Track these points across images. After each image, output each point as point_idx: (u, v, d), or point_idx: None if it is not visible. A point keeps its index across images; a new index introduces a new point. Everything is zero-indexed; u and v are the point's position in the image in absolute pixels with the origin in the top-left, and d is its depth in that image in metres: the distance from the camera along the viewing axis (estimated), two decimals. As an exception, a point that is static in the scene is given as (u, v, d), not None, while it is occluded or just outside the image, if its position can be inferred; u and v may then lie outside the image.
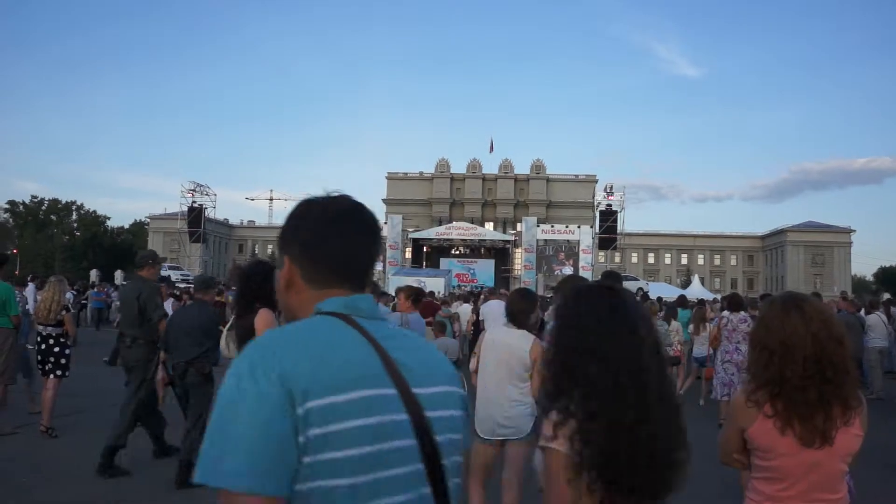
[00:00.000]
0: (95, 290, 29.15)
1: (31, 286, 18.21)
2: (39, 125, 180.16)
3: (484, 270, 55.53)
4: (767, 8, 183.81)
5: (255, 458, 1.17)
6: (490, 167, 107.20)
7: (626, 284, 24.20)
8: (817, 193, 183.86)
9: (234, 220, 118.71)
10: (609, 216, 53.09)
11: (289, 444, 1.20)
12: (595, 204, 57.34)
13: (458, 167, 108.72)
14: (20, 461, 7.37)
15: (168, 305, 9.22)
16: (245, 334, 5.10)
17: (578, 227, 54.83)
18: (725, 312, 10.76)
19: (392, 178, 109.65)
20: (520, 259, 55.25)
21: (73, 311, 13.46)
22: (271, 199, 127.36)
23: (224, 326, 7.96)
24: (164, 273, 45.12)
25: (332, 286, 1.46)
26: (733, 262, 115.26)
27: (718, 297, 27.81)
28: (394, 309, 9.58)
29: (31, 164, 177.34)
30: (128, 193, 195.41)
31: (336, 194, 1.57)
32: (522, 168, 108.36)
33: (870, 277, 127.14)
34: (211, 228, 71.63)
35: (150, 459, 7.52)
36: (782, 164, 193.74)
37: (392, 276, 44.59)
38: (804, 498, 2.43)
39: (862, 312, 15.39)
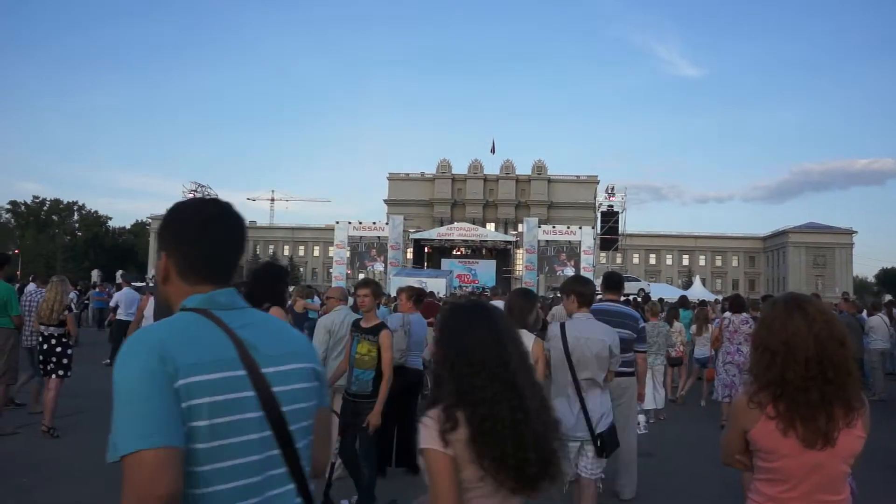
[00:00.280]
0: (97, 290, 29.16)
1: (31, 286, 18.18)
2: (41, 126, 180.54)
3: (485, 271, 55.52)
4: (768, 8, 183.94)
5: (160, 421, 1.49)
6: (491, 168, 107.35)
7: (628, 285, 24.27)
8: (819, 194, 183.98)
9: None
10: (610, 217, 53.10)
11: (176, 409, 1.52)
12: (596, 205, 57.32)
13: (460, 168, 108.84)
14: (21, 461, 7.37)
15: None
16: None
17: (580, 227, 54.75)
18: (727, 313, 10.76)
19: (393, 178, 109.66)
20: (521, 260, 55.25)
21: (75, 311, 13.46)
22: (272, 200, 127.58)
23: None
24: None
25: (200, 282, 1.76)
26: (735, 263, 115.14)
27: (720, 297, 27.79)
28: (395, 309, 9.58)
29: (32, 165, 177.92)
30: (129, 194, 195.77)
31: (208, 198, 1.90)
32: (524, 169, 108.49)
33: (871, 279, 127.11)
34: (212, 229, 71.43)
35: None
36: (783, 165, 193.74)
37: (393, 276, 44.61)
38: (807, 499, 2.42)
39: (864, 314, 15.37)
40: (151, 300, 9.26)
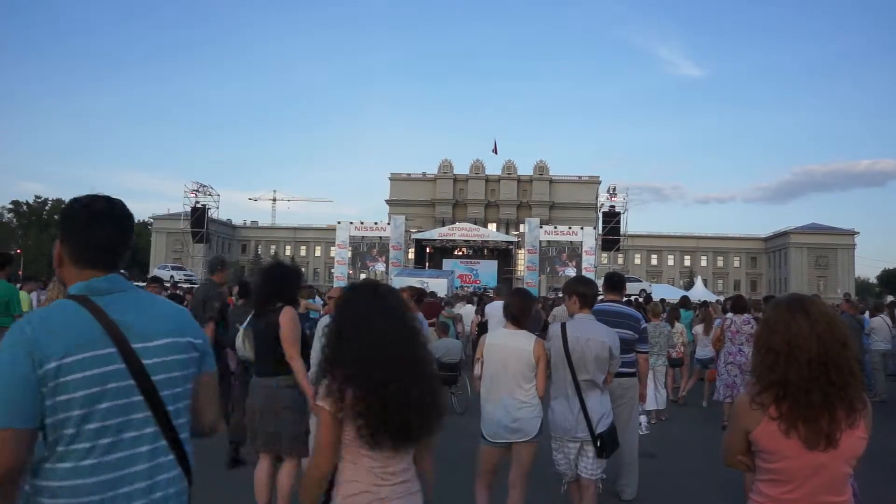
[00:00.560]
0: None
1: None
2: (43, 126, 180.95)
3: (487, 271, 55.49)
4: (770, 10, 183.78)
5: (11, 405, 1.83)
6: (493, 168, 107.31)
7: (629, 286, 24.13)
8: (821, 195, 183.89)
9: (237, 221, 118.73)
10: (612, 217, 53.06)
11: (34, 393, 1.85)
12: (598, 205, 57.32)
13: (462, 168, 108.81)
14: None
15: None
16: (267, 332, 5.10)
17: (581, 228, 54.74)
18: (729, 314, 10.74)
19: (395, 178, 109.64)
20: (522, 260, 55.23)
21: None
22: (274, 200, 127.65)
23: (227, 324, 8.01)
24: (167, 273, 45.28)
25: (86, 267, 2.08)
26: (736, 263, 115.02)
27: (721, 298, 27.77)
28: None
29: (34, 165, 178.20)
30: (131, 194, 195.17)
31: (100, 195, 2.22)
32: (525, 169, 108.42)
33: (873, 280, 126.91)
34: (214, 229, 71.57)
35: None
36: (785, 166, 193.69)
37: (395, 276, 44.60)
38: (809, 500, 2.42)
39: (866, 315, 15.35)
40: None
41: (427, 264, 55.21)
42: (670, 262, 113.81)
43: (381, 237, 54.23)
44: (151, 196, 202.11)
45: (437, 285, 34.67)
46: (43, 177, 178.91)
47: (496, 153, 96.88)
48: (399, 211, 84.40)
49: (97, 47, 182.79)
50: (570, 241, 53.10)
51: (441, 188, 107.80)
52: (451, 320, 14.28)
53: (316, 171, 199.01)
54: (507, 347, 4.92)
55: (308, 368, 5.10)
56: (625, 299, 9.39)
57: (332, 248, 64.36)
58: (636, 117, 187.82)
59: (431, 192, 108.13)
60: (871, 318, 14.60)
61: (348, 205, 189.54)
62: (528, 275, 52.09)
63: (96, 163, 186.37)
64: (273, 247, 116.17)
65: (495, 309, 11.76)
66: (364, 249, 54.19)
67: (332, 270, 59.66)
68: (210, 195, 57.28)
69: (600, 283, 7.82)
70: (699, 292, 42.32)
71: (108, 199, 2.20)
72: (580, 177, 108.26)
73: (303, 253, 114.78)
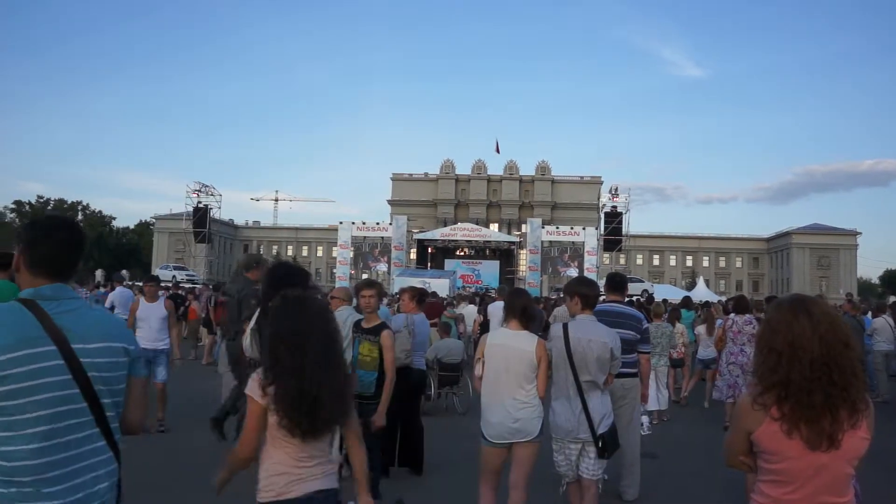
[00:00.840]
0: (103, 290, 29.18)
1: None
2: (45, 126, 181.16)
3: (489, 272, 55.52)
4: (772, 10, 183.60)
5: None
6: (495, 168, 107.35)
7: (631, 286, 23.97)
8: (823, 195, 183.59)
9: (239, 221, 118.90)
10: (614, 218, 53.04)
11: None
12: (600, 205, 57.33)
13: (464, 168, 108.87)
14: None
15: (150, 306, 9.19)
16: None
17: (583, 228, 54.75)
18: (731, 315, 10.75)
19: (397, 178, 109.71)
20: (524, 260, 55.23)
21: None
22: (276, 200, 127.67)
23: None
24: (169, 273, 45.31)
25: (38, 275, 2.38)
26: (738, 264, 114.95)
27: (723, 299, 27.76)
28: (398, 310, 9.58)
29: (36, 165, 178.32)
30: (133, 194, 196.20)
31: (57, 216, 2.58)
32: (527, 169, 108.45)
33: (876, 280, 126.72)
34: (216, 229, 71.67)
35: (149, 458, 7.54)
36: (787, 166, 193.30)
37: (397, 276, 44.66)
38: (811, 501, 2.42)
39: (869, 315, 15.34)
40: (142, 301, 9.25)
41: (429, 264, 55.23)
42: (672, 263, 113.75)
43: (382, 237, 54.27)
44: (153, 196, 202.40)
45: (439, 285, 34.68)
46: (45, 177, 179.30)
47: (498, 152, 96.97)
48: (401, 211, 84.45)
49: (99, 47, 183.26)
50: (572, 242, 53.11)
51: (443, 188, 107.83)
52: (452, 320, 14.29)
53: (318, 171, 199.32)
54: (509, 348, 4.91)
55: None
56: (627, 300, 9.40)
57: (334, 248, 64.35)
58: (638, 117, 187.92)
59: (433, 192, 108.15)
60: (874, 319, 14.59)
61: (350, 205, 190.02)
62: (529, 275, 52.11)
63: (98, 163, 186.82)
64: (275, 247, 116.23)
65: (497, 309, 11.78)
66: (366, 250, 54.23)
67: (335, 271, 59.68)
68: (212, 195, 57.35)
69: (602, 283, 7.82)
70: (701, 293, 42.28)
71: (64, 220, 2.52)
72: (582, 177, 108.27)
73: (304, 253, 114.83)
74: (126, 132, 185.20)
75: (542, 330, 12.45)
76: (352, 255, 53.95)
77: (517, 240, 58.63)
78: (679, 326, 12.70)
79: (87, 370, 2.31)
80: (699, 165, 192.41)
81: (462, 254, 57.20)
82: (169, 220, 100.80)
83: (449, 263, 55.69)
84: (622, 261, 75.69)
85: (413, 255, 56.52)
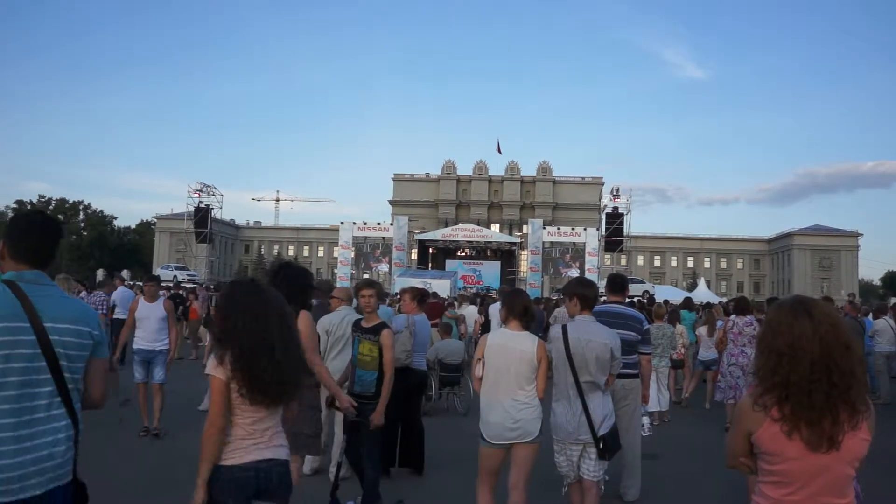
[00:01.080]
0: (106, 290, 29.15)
1: None
2: (47, 125, 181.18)
3: (490, 272, 55.48)
4: (774, 11, 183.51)
5: None
6: (496, 169, 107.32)
7: (632, 287, 23.88)
8: (824, 197, 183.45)
9: (240, 221, 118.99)
10: (615, 219, 52.97)
11: None
12: (601, 206, 57.23)
13: (465, 169, 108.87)
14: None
15: (149, 306, 9.09)
16: None
17: (584, 229, 54.64)
18: (732, 316, 10.74)
19: (398, 179, 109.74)
20: (525, 261, 55.17)
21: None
22: (277, 200, 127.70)
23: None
24: (171, 273, 45.33)
25: (20, 262, 2.77)
26: (739, 265, 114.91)
27: (724, 300, 27.73)
28: (399, 310, 9.59)
29: (38, 165, 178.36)
30: (134, 194, 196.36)
31: (38, 211, 3.09)
32: (529, 170, 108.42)
33: (877, 281, 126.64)
34: (217, 229, 71.71)
35: (156, 460, 7.54)
36: (789, 168, 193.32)
37: (398, 277, 44.65)
38: (812, 502, 2.41)
39: (870, 317, 15.32)
40: (141, 300, 9.19)
41: (430, 265, 55.19)
42: (673, 264, 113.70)
43: (384, 238, 54.22)
44: (155, 196, 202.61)
45: (440, 286, 34.66)
46: (47, 176, 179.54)
47: (500, 152, 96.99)
48: (402, 211, 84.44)
49: (101, 47, 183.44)
50: (573, 243, 53.05)
51: (444, 189, 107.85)
52: (453, 321, 14.29)
53: (319, 172, 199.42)
54: (510, 348, 4.91)
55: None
56: (627, 300, 9.39)
57: (335, 248, 64.39)
58: (639, 118, 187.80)
59: (434, 192, 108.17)
60: (875, 321, 14.57)
61: (351, 205, 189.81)
62: (530, 276, 52.06)
63: (100, 163, 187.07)
64: (276, 247, 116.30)
65: (499, 309, 11.76)
66: (367, 250, 54.19)
67: (336, 271, 59.59)
68: (213, 195, 57.35)
69: (603, 284, 7.82)
70: (702, 294, 42.19)
71: (43, 215, 2.95)
72: (583, 178, 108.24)
73: (306, 253, 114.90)
74: (128, 132, 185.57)
75: (542, 331, 12.47)
76: (353, 255, 53.91)
77: (518, 240, 58.54)
78: (679, 327, 12.70)
79: (54, 346, 2.68)
80: (700, 166, 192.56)
81: (463, 254, 57.14)
82: (170, 219, 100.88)
83: (450, 264, 55.64)
84: (623, 262, 75.76)
85: (414, 256, 56.49)
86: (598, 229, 55.20)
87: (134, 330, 8.90)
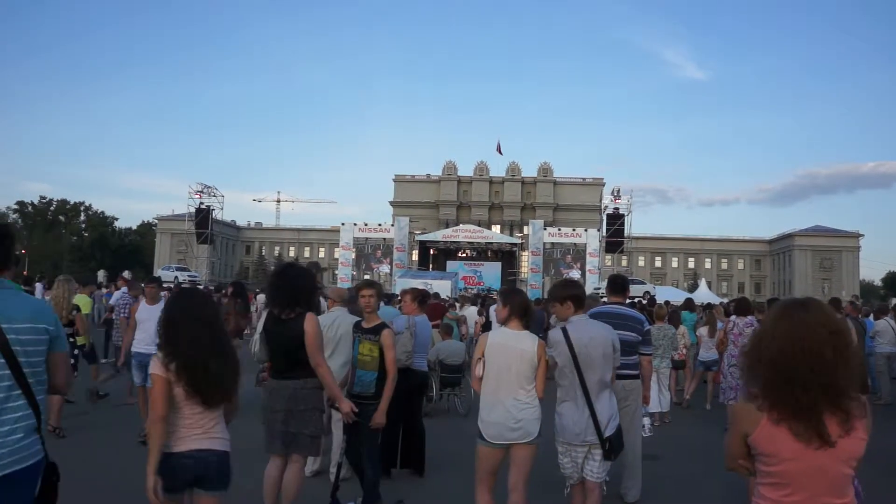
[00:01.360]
0: (106, 291, 29.13)
1: (38, 286, 18.32)
2: (48, 126, 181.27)
3: (490, 273, 55.51)
4: (775, 11, 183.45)
5: None
6: (497, 170, 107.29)
7: (633, 288, 23.81)
8: (825, 197, 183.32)
9: (241, 222, 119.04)
10: (616, 219, 52.97)
11: None
12: (602, 207, 57.23)
13: (466, 170, 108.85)
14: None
15: (150, 308, 9.09)
16: (292, 339, 5.07)
17: (585, 230, 54.67)
18: (733, 317, 10.73)
19: (399, 180, 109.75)
20: (526, 262, 55.21)
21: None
22: (278, 201, 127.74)
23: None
24: (171, 274, 45.33)
25: None
26: (740, 266, 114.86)
27: (725, 300, 27.72)
28: (400, 311, 9.60)
29: (39, 166, 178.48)
30: (136, 194, 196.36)
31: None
32: (529, 171, 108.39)
33: (878, 282, 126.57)
34: (218, 230, 71.74)
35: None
36: (790, 168, 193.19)
37: (398, 278, 44.66)
38: (810, 502, 2.42)
39: (871, 318, 15.31)
40: (142, 302, 9.18)
41: (431, 266, 55.22)
42: (674, 265, 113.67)
43: (385, 238, 54.25)
44: (156, 197, 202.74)
45: (441, 287, 34.70)
46: (48, 177, 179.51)
47: (500, 153, 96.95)
48: (403, 212, 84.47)
49: (102, 47, 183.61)
50: (574, 243, 53.06)
51: (445, 190, 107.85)
52: (454, 322, 14.29)
53: (320, 173, 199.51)
54: (511, 348, 4.90)
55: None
56: (628, 301, 9.39)
57: (336, 249, 64.37)
58: (640, 119, 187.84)
59: (435, 193, 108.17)
60: (876, 321, 14.55)
61: (352, 206, 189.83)
62: (531, 276, 52.07)
63: (101, 164, 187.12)
64: (277, 248, 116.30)
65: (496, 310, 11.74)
66: (368, 251, 54.22)
67: (336, 272, 59.65)
68: (214, 196, 57.37)
69: (604, 285, 7.82)
70: (703, 294, 42.18)
71: (4, 223, 3.33)
72: (584, 179, 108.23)
73: (307, 254, 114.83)
74: (129, 133, 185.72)
75: (542, 331, 12.46)
76: (354, 256, 53.93)
77: (519, 241, 58.59)
78: (681, 328, 12.69)
79: (11, 345, 2.93)
80: (701, 167, 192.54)
81: (464, 255, 57.17)
82: (171, 220, 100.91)
83: (451, 265, 55.68)
84: (624, 262, 75.69)
85: (415, 257, 56.52)
86: (598, 230, 55.22)
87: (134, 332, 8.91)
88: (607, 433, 5.00)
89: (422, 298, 8.16)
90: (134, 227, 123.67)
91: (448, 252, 56.79)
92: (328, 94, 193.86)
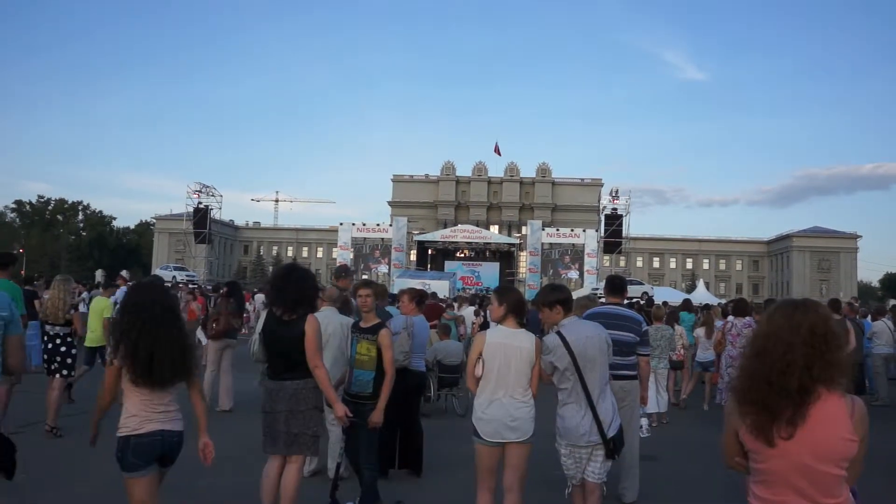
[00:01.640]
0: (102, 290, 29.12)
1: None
2: (46, 126, 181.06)
3: (489, 273, 55.49)
4: (774, 13, 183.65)
5: None
6: (496, 170, 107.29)
7: (631, 289, 23.83)
8: (823, 199, 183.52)
9: (239, 222, 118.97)
10: (614, 220, 53.00)
11: None
12: (600, 208, 57.26)
13: (464, 170, 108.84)
14: (23, 461, 7.37)
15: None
16: (294, 340, 5.08)
17: (584, 230, 54.73)
18: (731, 317, 10.75)
19: (398, 180, 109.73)
20: (525, 262, 55.25)
21: (83, 310, 13.45)
22: (276, 201, 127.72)
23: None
24: (170, 274, 45.29)
25: None
26: (738, 266, 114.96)
27: (723, 301, 27.74)
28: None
29: (37, 165, 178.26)
30: (134, 194, 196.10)
31: None
32: (528, 171, 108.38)
33: (876, 283, 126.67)
34: (216, 229, 71.63)
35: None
36: (788, 170, 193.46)
37: (397, 278, 44.66)
38: (799, 501, 2.43)
39: (868, 319, 15.34)
40: None
41: (429, 266, 55.23)
42: (672, 265, 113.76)
43: (383, 238, 54.27)
44: (154, 196, 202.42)
45: (439, 287, 34.68)
46: (46, 177, 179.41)
47: (499, 154, 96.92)
48: (401, 212, 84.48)
49: (101, 47, 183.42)
50: (573, 244, 53.10)
51: (443, 190, 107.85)
52: (453, 321, 14.28)
53: (318, 173, 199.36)
54: (511, 346, 4.91)
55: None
56: (626, 302, 9.39)
57: (335, 249, 64.37)
58: (639, 120, 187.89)
59: (434, 193, 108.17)
60: (874, 322, 14.58)
61: (351, 206, 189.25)
62: (529, 277, 52.09)
63: (99, 163, 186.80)
64: (275, 248, 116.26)
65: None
66: (366, 251, 54.23)
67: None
68: (212, 196, 57.33)
69: (602, 285, 7.82)
70: (701, 295, 42.17)
71: None
72: (582, 179, 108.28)
73: (305, 254, 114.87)
74: (127, 132, 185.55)
75: (539, 331, 12.45)
76: (352, 256, 53.92)
77: (517, 242, 58.62)
78: (678, 328, 12.70)
79: None
80: (700, 168, 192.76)
81: (462, 255, 57.17)
82: (169, 220, 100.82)
83: (449, 265, 55.69)
84: (622, 263, 75.67)
85: (413, 257, 56.49)
86: (597, 231, 55.29)
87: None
88: (610, 433, 5.00)
89: (420, 299, 8.16)
90: (132, 227, 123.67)
91: (446, 252, 56.79)
92: (326, 94, 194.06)
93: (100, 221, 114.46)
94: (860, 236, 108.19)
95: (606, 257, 56.90)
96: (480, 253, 56.99)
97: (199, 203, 56.12)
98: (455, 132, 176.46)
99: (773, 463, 2.45)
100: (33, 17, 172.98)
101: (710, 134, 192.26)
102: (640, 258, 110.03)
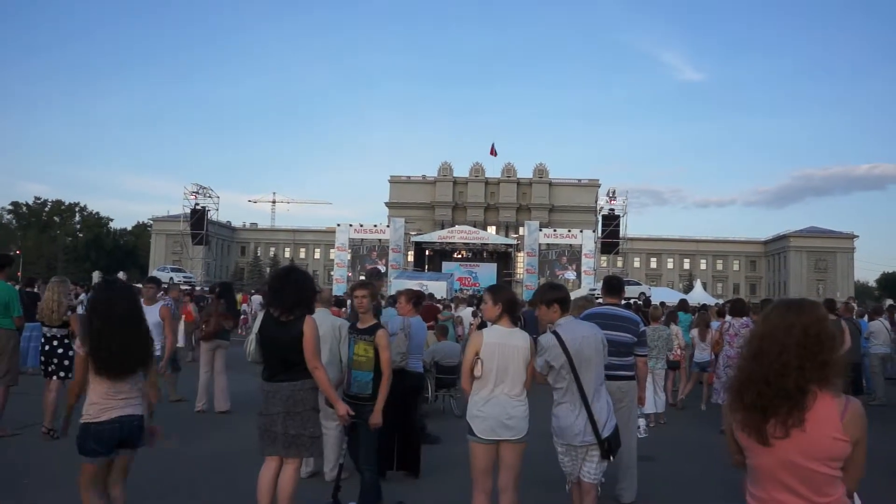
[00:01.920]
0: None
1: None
2: (43, 127, 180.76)
3: (486, 274, 55.45)
4: (771, 14, 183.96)
5: None
6: (493, 171, 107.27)
7: (629, 289, 23.92)
8: (820, 199, 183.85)
9: (236, 223, 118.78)
10: (612, 220, 53.07)
11: None
12: (598, 208, 57.35)
13: (461, 171, 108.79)
14: (21, 463, 7.37)
15: (146, 309, 9.10)
16: (293, 341, 5.07)
17: (581, 231, 54.77)
18: (728, 317, 10.75)
19: (395, 181, 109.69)
20: (522, 263, 55.26)
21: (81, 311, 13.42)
22: (274, 202, 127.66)
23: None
24: (167, 275, 45.24)
25: None
26: (736, 267, 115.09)
27: (720, 301, 27.80)
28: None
29: (34, 166, 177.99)
30: (131, 195, 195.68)
31: None
32: (525, 172, 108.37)
33: (872, 283, 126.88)
34: (213, 231, 71.60)
35: (150, 464, 7.51)
36: (785, 170, 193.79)
37: (394, 279, 44.62)
38: (791, 499, 2.44)
39: (865, 319, 15.37)
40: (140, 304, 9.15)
41: (426, 267, 55.22)
42: (669, 266, 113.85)
43: (380, 240, 54.25)
44: (151, 198, 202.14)
45: (437, 288, 34.71)
46: (43, 178, 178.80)
47: (495, 155, 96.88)
48: (399, 213, 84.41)
49: (98, 48, 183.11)
50: (570, 244, 53.12)
51: (440, 191, 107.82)
52: (450, 322, 14.28)
53: (315, 174, 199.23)
54: (509, 346, 4.93)
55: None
56: (623, 302, 9.39)
57: (332, 250, 64.39)
58: (636, 120, 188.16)
59: (431, 194, 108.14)
60: (870, 322, 14.60)
61: (348, 207, 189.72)
62: (527, 277, 52.09)
63: (97, 164, 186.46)
64: (272, 249, 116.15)
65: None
66: (364, 252, 54.21)
67: (332, 273, 59.63)
68: (210, 197, 57.28)
69: (600, 286, 7.83)
70: (698, 295, 42.26)
71: None
72: (580, 180, 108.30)
73: (302, 255, 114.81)
74: (124, 134, 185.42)
75: (537, 332, 12.45)
76: (349, 257, 53.91)
77: (515, 242, 58.63)
78: (674, 328, 12.70)
79: None
80: (697, 169, 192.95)
81: (459, 256, 57.15)
82: (166, 221, 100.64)
83: (446, 266, 55.68)
84: (619, 263, 75.67)
85: (410, 258, 56.49)
86: (594, 231, 55.36)
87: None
88: (605, 434, 5.00)
89: (417, 300, 8.15)
90: (129, 228, 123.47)
91: (444, 253, 56.78)
92: (324, 96, 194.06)
93: (97, 223, 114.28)
94: (857, 236, 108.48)
95: (604, 258, 57.01)
96: (478, 254, 56.99)
97: (197, 204, 56.08)
98: (453, 133, 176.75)
99: (762, 460, 2.47)
100: (33, 17, 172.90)
101: (708, 134, 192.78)
102: (637, 259, 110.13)
